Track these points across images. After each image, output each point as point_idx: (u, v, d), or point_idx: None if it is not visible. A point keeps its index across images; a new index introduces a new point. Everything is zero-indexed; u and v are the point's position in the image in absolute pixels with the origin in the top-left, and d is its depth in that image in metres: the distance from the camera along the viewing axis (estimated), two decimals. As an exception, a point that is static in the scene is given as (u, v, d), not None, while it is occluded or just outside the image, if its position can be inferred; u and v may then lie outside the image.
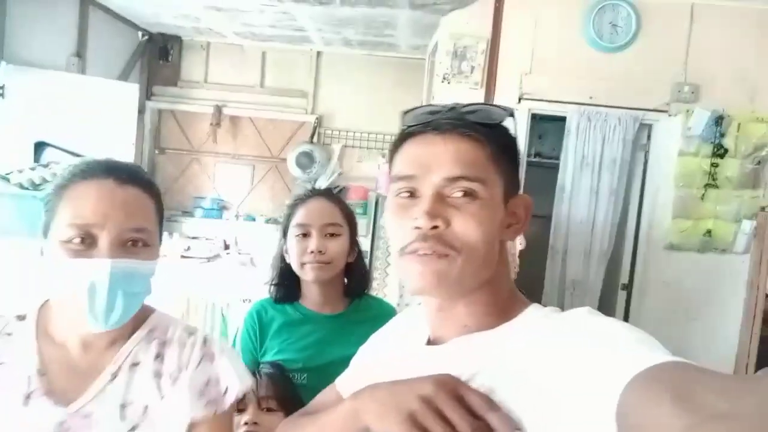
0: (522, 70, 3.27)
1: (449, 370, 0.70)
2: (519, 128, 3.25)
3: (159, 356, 0.93)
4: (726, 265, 3.31)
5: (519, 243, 2.81)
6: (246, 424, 1.15)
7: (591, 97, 3.25)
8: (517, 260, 2.85)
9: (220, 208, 4.76)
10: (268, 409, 1.19)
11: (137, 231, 0.87)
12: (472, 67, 3.27)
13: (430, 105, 0.76)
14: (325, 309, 1.43)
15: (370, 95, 4.70)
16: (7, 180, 2.45)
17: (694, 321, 3.32)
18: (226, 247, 4.54)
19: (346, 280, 1.48)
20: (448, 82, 3.26)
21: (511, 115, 0.75)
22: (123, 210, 0.86)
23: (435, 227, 0.68)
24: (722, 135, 3.20)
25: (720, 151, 3.22)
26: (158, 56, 4.69)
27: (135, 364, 0.92)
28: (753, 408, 0.42)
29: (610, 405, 0.50)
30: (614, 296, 3.52)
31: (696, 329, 3.31)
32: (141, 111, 4.56)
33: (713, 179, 3.25)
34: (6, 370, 0.86)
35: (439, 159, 0.70)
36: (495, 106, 0.75)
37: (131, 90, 3.87)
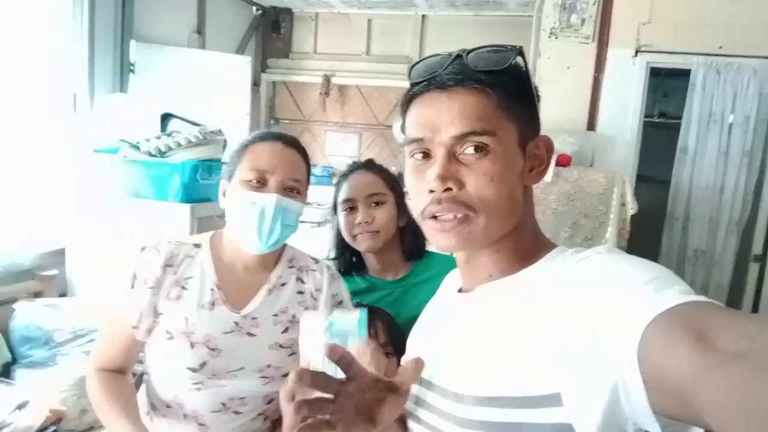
0: (640, 19, 3.01)
1: (475, 316, 0.73)
2: (636, 84, 3.02)
3: (299, 279, 1.24)
4: None
5: (630, 207, 2.63)
6: None
7: (720, 47, 2.92)
8: (628, 226, 2.68)
9: (330, 175, 4.93)
10: (387, 354, 1.20)
11: (294, 180, 1.16)
12: (583, 20, 3.06)
13: (436, 55, 0.73)
14: (387, 275, 1.46)
15: (477, 58, 4.56)
16: (138, 148, 2.70)
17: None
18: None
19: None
20: (556, 37, 3.09)
21: (520, 53, 0.70)
22: (286, 164, 1.15)
23: (448, 189, 0.68)
24: None
25: None
26: (271, 30, 4.90)
27: (283, 284, 1.22)
28: None
29: (632, 348, 0.50)
30: (745, 268, 3.19)
31: None
32: (256, 83, 4.82)
33: None
34: (195, 282, 1.15)
35: (445, 118, 0.68)
36: (500, 46, 0.70)
37: (245, 62, 4.08)
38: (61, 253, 2.67)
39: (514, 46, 0.70)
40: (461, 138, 0.68)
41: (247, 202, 1.12)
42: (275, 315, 1.18)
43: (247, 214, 1.12)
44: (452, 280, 0.87)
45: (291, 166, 1.16)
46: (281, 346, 1.16)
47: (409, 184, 0.74)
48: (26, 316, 2.32)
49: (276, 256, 1.23)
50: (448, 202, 0.68)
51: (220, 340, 1.12)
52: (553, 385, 0.58)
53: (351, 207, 1.41)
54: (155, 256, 1.15)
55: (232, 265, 1.19)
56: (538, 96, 0.74)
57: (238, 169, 1.16)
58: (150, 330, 1.14)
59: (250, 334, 1.15)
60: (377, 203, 1.40)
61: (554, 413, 0.58)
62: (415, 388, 0.80)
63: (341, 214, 1.44)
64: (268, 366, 1.14)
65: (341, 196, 1.44)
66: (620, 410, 0.53)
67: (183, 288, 1.14)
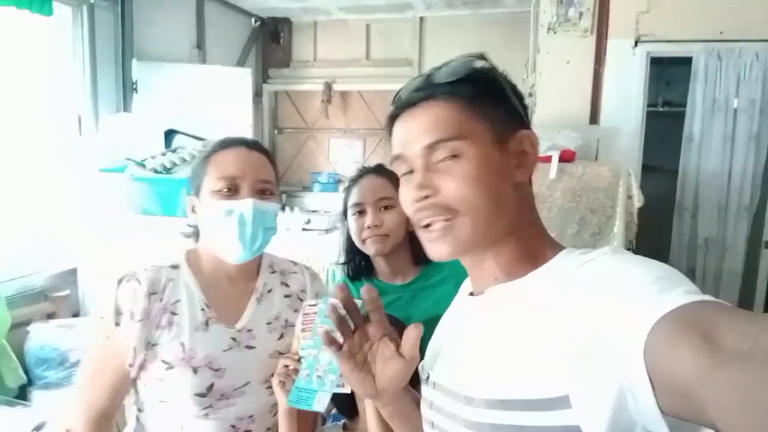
0: (638, 9, 2.99)
1: (485, 319, 0.74)
2: (637, 74, 3.00)
3: (283, 282, 1.24)
4: None
5: (637, 200, 2.60)
6: None
7: (721, 33, 2.89)
8: (636, 218, 2.66)
9: (336, 182, 4.94)
10: None
11: (265, 182, 1.14)
12: (581, 13, 3.05)
13: (414, 78, 0.78)
14: (396, 279, 1.47)
15: (477, 57, 4.56)
16: (143, 166, 2.73)
17: None
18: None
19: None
20: (554, 32, 3.07)
21: (481, 58, 0.74)
22: (255, 167, 1.13)
23: (426, 197, 0.72)
24: None
25: None
26: (271, 40, 4.93)
27: (269, 291, 1.21)
28: None
29: (638, 349, 0.50)
30: (757, 254, 3.15)
31: None
32: (258, 94, 4.84)
33: None
34: (183, 305, 1.11)
35: (416, 131, 0.73)
36: (463, 56, 0.74)
37: (245, 74, 4.11)
38: (72, 273, 2.70)
39: (471, 56, 0.74)
40: (432, 147, 0.72)
41: (223, 212, 1.09)
42: (269, 323, 1.17)
43: (225, 224, 1.09)
44: (467, 284, 0.88)
45: (260, 168, 1.14)
46: (280, 353, 1.14)
47: (401, 199, 0.78)
48: (41, 337, 2.35)
49: (256, 264, 1.21)
50: (430, 208, 0.72)
51: (222, 359, 1.10)
52: (562, 387, 0.59)
53: (360, 211, 1.42)
54: (137, 286, 1.09)
55: (216, 281, 1.16)
56: (516, 93, 0.76)
57: (204, 181, 1.12)
58: (143, 365, 1.08)
59: (249, 347, 1.13)
60: (386, 207, 1.41)
61: (563, 416, 0.59)
62: (427, 392, 0.81)
63: (351, 218, 1.44)
64: (272, 375, 1.11)
65: (351, 201, 1.45)
66: (627, 412, 0.53)
67: (173, 313, 1.10)
